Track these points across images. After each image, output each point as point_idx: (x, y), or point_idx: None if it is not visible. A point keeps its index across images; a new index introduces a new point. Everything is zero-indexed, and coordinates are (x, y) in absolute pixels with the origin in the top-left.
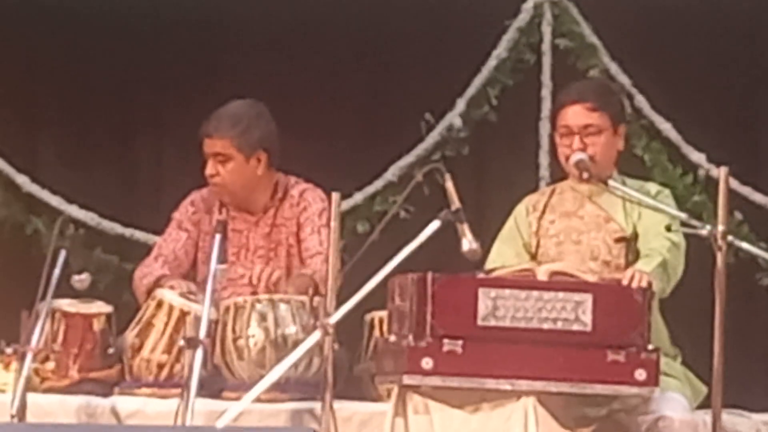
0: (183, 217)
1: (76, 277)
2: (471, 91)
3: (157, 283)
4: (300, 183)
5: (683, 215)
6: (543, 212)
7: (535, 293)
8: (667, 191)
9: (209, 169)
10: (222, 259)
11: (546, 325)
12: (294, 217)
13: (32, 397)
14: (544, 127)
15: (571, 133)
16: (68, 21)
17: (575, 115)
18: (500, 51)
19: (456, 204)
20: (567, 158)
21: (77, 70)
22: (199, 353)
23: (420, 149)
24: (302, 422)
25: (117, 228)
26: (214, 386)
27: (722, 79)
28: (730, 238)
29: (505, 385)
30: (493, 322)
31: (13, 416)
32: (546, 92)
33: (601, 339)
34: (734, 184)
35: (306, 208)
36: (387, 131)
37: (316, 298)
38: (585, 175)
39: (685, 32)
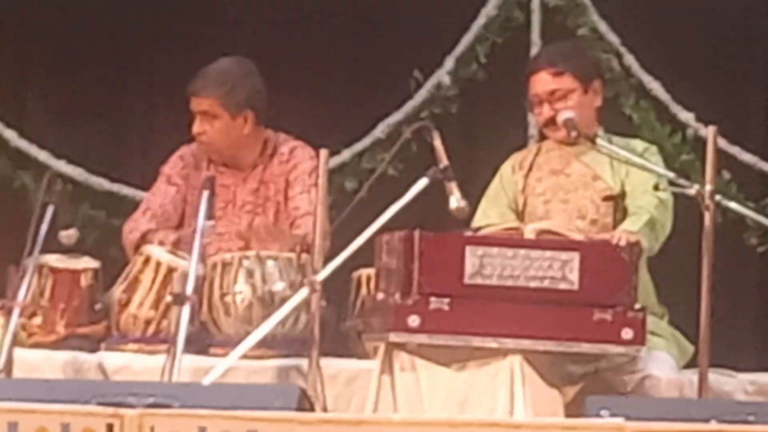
0: (172, 172)
1: (63, 233)
2: (460, 48)
3: (144, 238)
4: (290, 140)
5: (671, 174)
6: (529, 170)
7: (522, 252)
8: (654, 148)
9: (196, 127)
10: (210, 215)
11: (533, 284)
12: (283, 174)
13: (19, 353)
14: None
15: (541, 101)
16: None
17: (540, 82)
18: (489, 8)
19: (444, 162)
20: (544, 125)
21: (66, 24)
22: (186, 309)
23: (408, 107)
24: (289, 379)
25: (105, 183)
26: (201, 342)
27: (712, 39)
28: (718, 197)
29: (491, 343)
30: (480, 281)
31: (0, 371)
32: (535, 51)
33: (587, 298)
34: (722, 143)
35: (296, 166)
36: (376, 88)
37: (304, 255)
38: (573, 133)
39: None
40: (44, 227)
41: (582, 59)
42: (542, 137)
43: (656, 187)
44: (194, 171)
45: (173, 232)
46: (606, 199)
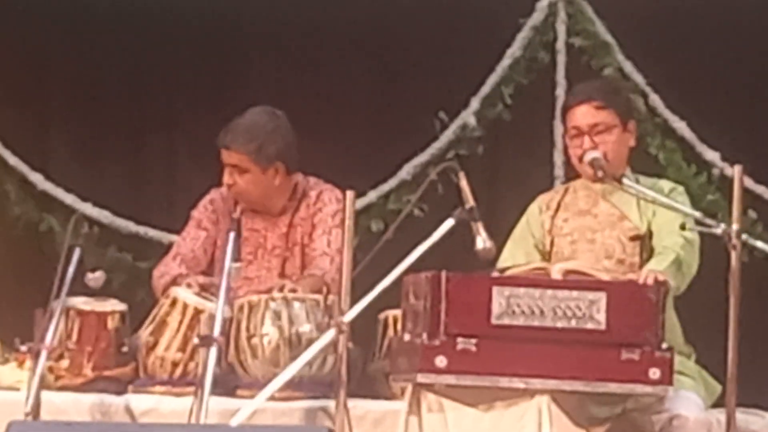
0: (202, 216)
1: (90, 275)
2: (485, 89)
3: (174, 283)
4: (319, 184)
5: (697, 213)
6: (556, 211)
7: (549, 292)
8: (681, 188)
9: (227, 179)
10: (236, 257)
11: (560, 324)
12: (309, 217)
13: (46, 395)
14: (559, 126)
15: (581, 134)
16: (82, 20)
17: (583, 114)
18: (515, 49)
19: (470, 202)
20: (579, 159)
21: (91, 69)
22: (213, 351)
23: (434, 148)
24: (316, 421)
25: (131, 226)
26: (228, 384)
27: (736, 78)
28: (744, 236)
29: (518, 383)
30: (507, 321)
31: (27, 414)
32: (560, 91)
33: (615, 337)
34: (748, 182)
35: (321, 209)
36: (401, 130)
37: (331, 297)
38: (599, 173)
39: (699, 31)
40: (71, 270)
41: (623, 98)
42: (568, 178)
43: (683, 227)
44: (224, 215)
45: (202, 276)
46: (633, 238)
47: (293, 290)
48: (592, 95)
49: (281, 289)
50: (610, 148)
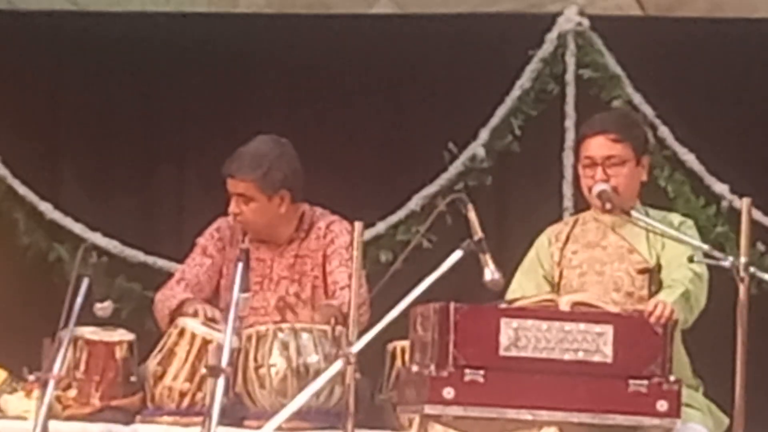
0: (208, 243)
1: (98, 305)
2: (494, 121)
3: (180, 307)
4: (326, 215)
5: (706, 246)
6: (566, 243)
7: (556, 324)
8: (690, 222)
9: (233, 208)
10: (245, 287)
11: (567, 356)
12: (320, 249)
13: (54, 425)
14: (568, 158)
15: (594, 164)
16: (92, 52)
17: (598, 146)
18: (524, 81)
19: (478, 234)
20: (590, 189)
21: (100, 100)
22: (221, 382)
23: (443, 179)
24: None
25: (139, 256)
26: (235, 415)
27: (745, 110)
28: (752, 269)
29: (526, 415)
30: (514, 353)
31: None
32: (569, 123)
33: (622, 370)
34: (757, 215)
35: (333, 241)
36: (410, 161)
37: (338, 328)
38: (608, 205)
39: (708, 63)
40: (79, 300)
41: (640, 132)
42: (578, 209)
43: (691, 260)
44: (230, 243)
45: (210, 306)
46: (641, 271)
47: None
48: (608, 127)
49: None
50: (622, 182)
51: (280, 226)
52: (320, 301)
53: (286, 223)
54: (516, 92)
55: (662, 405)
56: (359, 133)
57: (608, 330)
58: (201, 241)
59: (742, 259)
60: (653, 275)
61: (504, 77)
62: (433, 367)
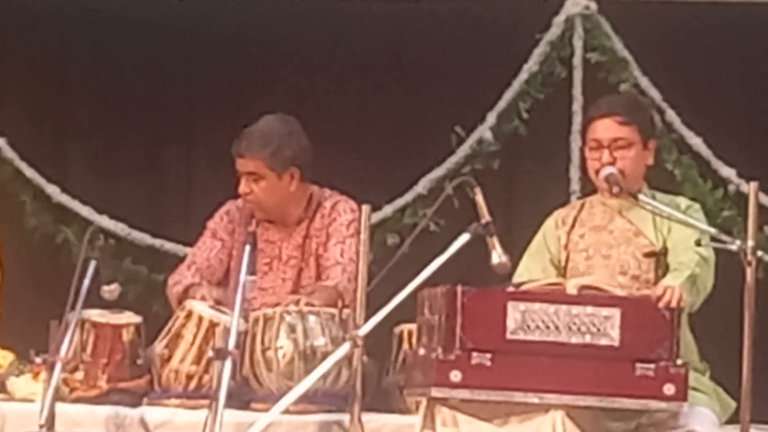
0: (218, 227)
1: (105, 288)
2: (502, 104)
3: (186, 292)
4: (334, 195)
5: (713, 230)
6: (572, 226)
7: (563, 307)
8: (697, 206)
9: (243, 187)
10: (252, 270)
11: (574, 339)
12: (324, 227)
13: (61, 407)
14: (575, 141)
15: (601, 147)
16: (98, 33)
17: (605, 128)
18: (531, 65)
19: (486, 217)
20: (597, 172)
21: (107, 82)
22: (228, 364)
23: (450, 162)
24: None
25: (146, 238)
26: (242, 397)
27: (753, 94)
28: (759, 253)
29: (533, 398)
30: (521, 336)
31: (41, 426)
32: (577, 106)
33: (629, 353)
34: (764, 198)
35: (335, 219)
36: (417, 144)
37: (346, 311)
38: (615, 189)
39: (715, 47)
40: (86, 282)
41: (647, 115)
42: (585, 193)
43: (698, 243)
44: (240, 226)
45: (216, 288)
46: (648, 255)
47: (308, 304)
48: (616, 110)
49: (296, 304)
50: (628, 165)
51: (290, 205)
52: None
53: (296, 203)
54: (523, 75)
55: (669, 388)
56: (366, 117)
57: (615, 313)
58: (211, 224)
59: (750, 243)
60: (660, 259)
61: (511, 60)
62: (440, 350)
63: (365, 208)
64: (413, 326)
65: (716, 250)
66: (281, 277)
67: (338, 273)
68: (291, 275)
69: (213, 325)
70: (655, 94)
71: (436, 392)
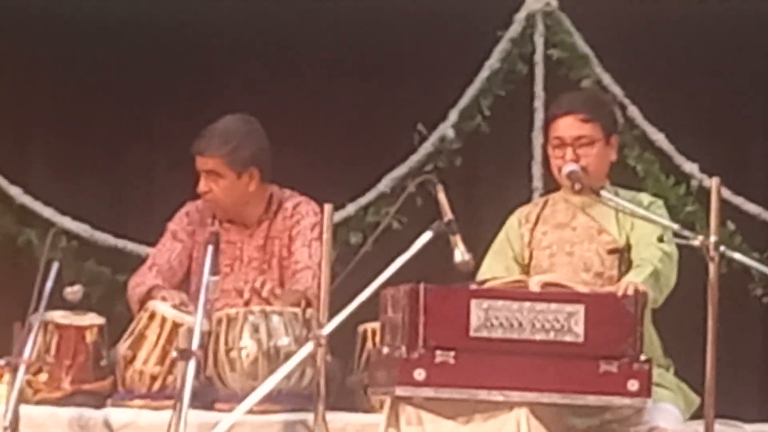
0: (178, 228)
1: (68, 289)
2: (463, 102)
3: (149, 294)
4: (295, 196)
5: (676, 226)
6: (535, 224)
7: (527, 304)
8: (659, 202)
9: (202, 186)
10: (215, 270)
11: (538, 336)
12: (287, 229)
13: (25, 409)
14: (537, 138)
15: (564, 145)
16: (60, 33)
17: (568, 126)
18: (493, 62)
19: (448, 215)
20: (559, 169)
21: (69, 83)
22: (192, 365)
23: (413, 160)
24: None
25: (109, 239)
26: (206, 398)
27: (714, 90)
28: (722, 248)
29: (497, 396)
30: (485, 333)
31: (6, 428)
32: (539, 103)
33: (593, 350)
34: (726, 194)
35: (299, 221)
36: (380, 142)
37: (309, 310)
38: (577, 186)
39: (677, 43)
40: (49, 284)
41: (608, 112)
42: (547, 190)
43: (660, 239)
44: (200, 227)
45: (178, 293)
46: (611, 251)
47: (272, 292)
48: (578, 107)
49: (262, 284)
50: (591, 162)
51: (249, 205)
52: (286, 283)
53: (255, 203)
54: (485, 73)
55: (633, 385)
56: (328, 115)
57: (579, 310)
58: (171, 225)
59: (712, 238)
60: (623, 255)
61: (473, 58)
62: (403, 349)
63: (328, 206)
64: (377, 325)
65: (679, 246)
66: (243, 279)
67: (308, 277)
68: (253, 277)
69: (176, 325)
70: (616, 90)
71: (400, 391)
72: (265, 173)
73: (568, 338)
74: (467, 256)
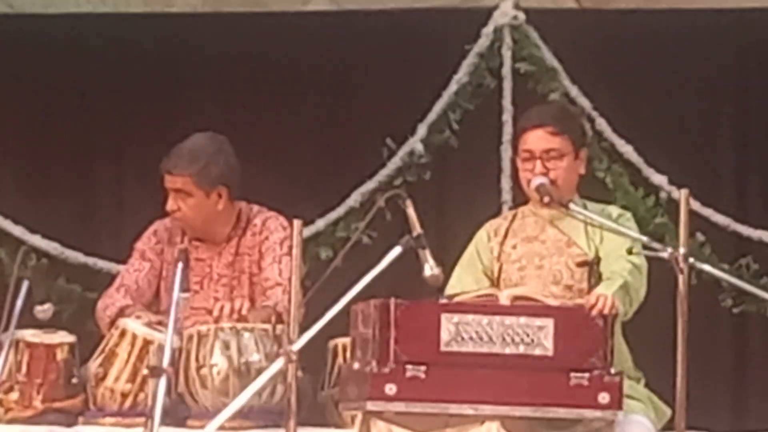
0: (146, 247)
1: (38, 308)
2: (432, 116)
3: (121, 314)
4: (263, 212)
5: (645, 238)
6: (505, 237)
7: (497, 318)
8: (628, 214)
9: (170, 205)
10: (184, 287)
11: (508, 350)
12: (256, 245)
13: None
14: (506, 152)
15: (533, 158)
16: (27, 53)
17: (537, 139)
18: (461, 76)
19: (417, 230)
20: (528, 182)
21: (36, 101)
22: (163, 382)
23: (382, 175)
24: None
25: (79, 257)
26: (178, 415)
27: (682, 101)
28: (691, 260)
29: (468, 410)
30: (455, 348)
31: None
32: (507, 116)
33: (563, 363)
34: (695, 205)
35: (267, 237)
36: (348, 157)
37: (279, 326)
38: (546, 199)
39: (644, 55)
40: (19, 302)
41: (578, 125)
42: (516, 203)
43: (630, 252)
44: (168, 246)
45: (150, 312)
46: (580, 264)
47: (240, 315)
48: (547, 120)
49: (239, 310)
50: (561, 175)
51: (218, 223)
52: (257, 299)
53: (223, 221)
54: (453, 87)
55: (604, 397)
56: (297, 131)
57: (549, 323)
58: (139, 245)
59: (681, 250)
60: (592, 268)
61: (441, 72)
62: (374, 364)
63: (297, 222)
64: (347, 340)
65: (648, 258)
66: (213, 296)
67: (279, 294)
68: (223, 294)
69: (147, 342)
70: (584, 102)
71: (371, 406)
72: (234, 191)
73: (537, 351)
74: (436, 270)
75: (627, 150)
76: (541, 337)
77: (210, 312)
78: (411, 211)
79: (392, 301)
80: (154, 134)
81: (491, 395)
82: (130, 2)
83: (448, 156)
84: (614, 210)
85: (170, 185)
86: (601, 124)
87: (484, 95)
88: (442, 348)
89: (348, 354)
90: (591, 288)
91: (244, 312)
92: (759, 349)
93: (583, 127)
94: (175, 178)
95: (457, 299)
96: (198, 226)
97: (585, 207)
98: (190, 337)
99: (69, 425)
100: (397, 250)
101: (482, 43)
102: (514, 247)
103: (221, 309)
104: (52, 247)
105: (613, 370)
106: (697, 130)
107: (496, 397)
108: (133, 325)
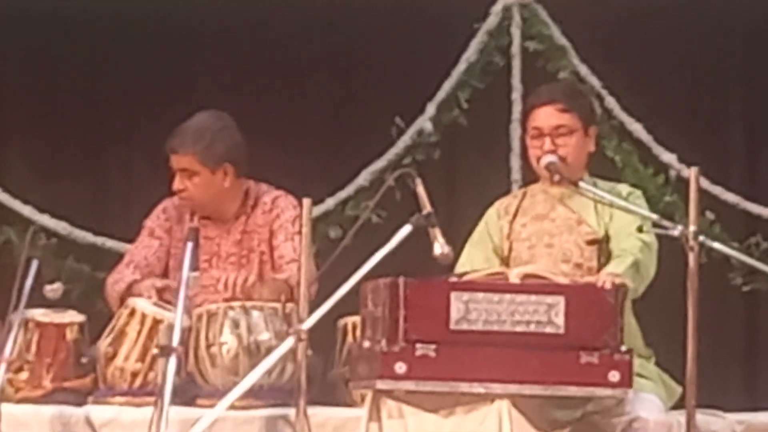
0: (155, 225)
1: (48, 287)
2: (441, 95)
3: (129, 289)
4: (272, 190)
5: (655, 216)
6: (515, 216)
7: (507, 296)
8: (638, 192)
9: (176, 184)
10: (194, 266)
11: (519, 328)
12: (266, 224)
13: (6, 408)
14: (515, 130)
15: (542, 135)
16: (36, 33)
17: (546, 116)
18: (470, 54)
19: (427, 208)
20: (538, 160)
21: (47, 81)
22: (173, 361)
23: (391, 154)
24: (276, 429)
25: (88, 237)
26: (188, 394)
27: (692, 80)
28: (701, 238)
29: (478, 388)
30: (465, 326)
31: None
32: (516, 95)
33: (574, 341)
34: (705, 184)
35: (279, 216)
36: (358, 136)
37: (289, 305)
38: (556, 177)
39: (654, 33)
40: (29, 282)
41: (587, 102)
42: (526, 182)
43: (640, 230)
44: (177, 223)
45: (159, 279)
46: (590, 242)
47: (245, 286)
48: (556, 97)
49: (244, 281)
50: (570, 152)
51: (225, 201)
52: (267, 277)
53: (231, 199)
54: (462, 65)
55: (614, 375)
56: (306, 110)
57: (560, 301)
58: (148, 222)
59: (691, 228)
60: (602, 246)
61: (450, 51)
62: (384, 343)
63: (306, 201)
64: (357, 319)
65: (658, 236)
66: (221, 274)
67: (294, 270)
68: (231, 272)
69: (156, 322)
70: (594, 81)
71: (381, 384)
72: (240, 169)
73: (548, 330)
74: (446, 249)
75: (636, 128)
76: (551, 315)
77: (225, 286)
78: (420, 190)
79: (402, 279)
80: (165, 115)
81: (501, 374)
82: None
83: (457, 135)
84: (624, 188)
85: (176, 165)
86: (611, 102)
87: (493, 74)
88: (452, 326)
89: (358, 333)
90: (601, 266)
91: (250, 282)
92: None
93: (592, 105)
94: (180, 158)
95: (466, 277)
96: (205, 205)
97: (595, 185)
98: (200, 316)
99: (79, 404)
100: (406, 229)
101: (491, 21)
102: (524, 225)
103: (234, 279)
104: (61, 226)
105: (623, 348)
106: (706, 108)
107: (507, 376)
108: (143, 304)
